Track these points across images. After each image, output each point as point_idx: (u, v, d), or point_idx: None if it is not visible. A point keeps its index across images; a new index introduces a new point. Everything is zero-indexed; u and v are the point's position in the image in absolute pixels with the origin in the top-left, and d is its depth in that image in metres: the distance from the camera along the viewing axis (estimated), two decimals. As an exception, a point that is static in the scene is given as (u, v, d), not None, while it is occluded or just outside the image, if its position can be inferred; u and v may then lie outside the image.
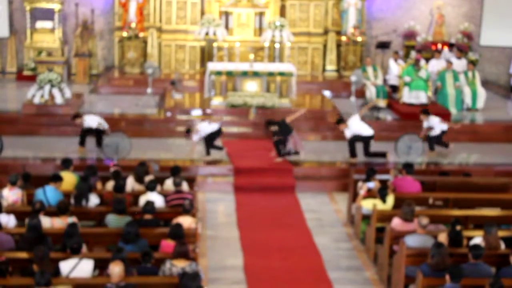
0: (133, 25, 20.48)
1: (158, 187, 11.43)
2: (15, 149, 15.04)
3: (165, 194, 11.37)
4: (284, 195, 14.05)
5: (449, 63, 19.05)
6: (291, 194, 14.13)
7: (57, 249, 9.40)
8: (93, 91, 19.65)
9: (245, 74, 17.62)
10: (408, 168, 12.49)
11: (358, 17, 21.24)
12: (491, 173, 14.87)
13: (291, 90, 17.98)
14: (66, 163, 12.22)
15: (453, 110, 18.10)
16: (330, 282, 10.44)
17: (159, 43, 21.20)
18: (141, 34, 20.69)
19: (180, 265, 8.69)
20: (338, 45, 21.49)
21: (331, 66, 21.52)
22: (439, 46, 21.40)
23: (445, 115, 17.21)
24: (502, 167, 15.19)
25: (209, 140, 14.92)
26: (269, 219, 12.88)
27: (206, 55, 20.57)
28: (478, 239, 9.72)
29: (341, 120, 15.06)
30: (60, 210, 10.23)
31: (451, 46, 21.24)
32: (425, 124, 15.57)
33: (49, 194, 10.98)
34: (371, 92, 18.45)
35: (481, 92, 18.76)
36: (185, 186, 11.77)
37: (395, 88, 19.27)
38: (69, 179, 11.75)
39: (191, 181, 12.46)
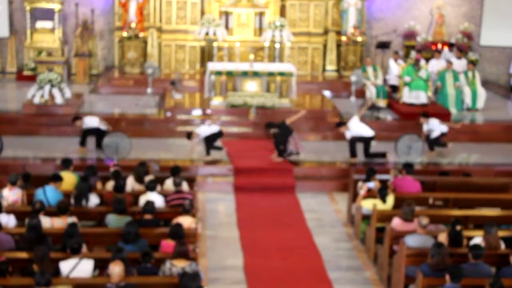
0: (133, 25, 20.48)
1: (158, 187, 11.43)
2: (15, 149, 15.04)
3: (165, 194, 11.37)
4: (284, 195, 14.05)
5: (449, 63, 19.05)
6: (291, 194, 14.13)
7: (57, 249, 9.40)
8: (93, 91, 19.65)
9: (245, 74, 17.61)
10: (408, 168, 12.49)
11: (358, 17, 21.24)
12: (491, 173, 14.87)
13: (291, 90, 17.98)
14: (66, 163, 12.22)
15: (453, 110, 18.10)
16: (330, 282, 10.44)
17: (159, 43, 21.20)
18: (141, 34, 20.69)
19: (180, 265, 8.70)
20: (338, 45, 21.49)
21: (331, 66, 21.52)
22: (439, 46, 21.40)
23: (445, 115, 17.23)
24: (502, 167, 15.19)
25: (209, 141, 14.92)
26: (269, 219, 12.88)
27: (206, 55, 20.57)
28: (478, 239, 9.72)
29: (341, 124, 15.05)
30: (60, 210, 10.23)
31: (451, 46, 21.24)
32: (425, 128, 15.56)
33: (49, 194, 10.98)
34: (371, 92, 18.45)
35: (481, 92, 18.76)
36: (185, 186, 11.77)
37: (395, 88, 19.27)
38: (69, 179, 11.75)
39: (191, 181, 12.46)
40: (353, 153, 15.02)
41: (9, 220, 10.12)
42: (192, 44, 21.15)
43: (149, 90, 18.87)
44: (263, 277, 10.52)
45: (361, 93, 18.80)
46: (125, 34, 20.60)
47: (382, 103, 18.31)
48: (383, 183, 12.23)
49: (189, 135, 14.91)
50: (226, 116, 17.26)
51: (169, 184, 12.05)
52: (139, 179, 11.94)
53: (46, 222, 9.97)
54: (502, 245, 9.71)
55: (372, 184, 12.20)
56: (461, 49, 21.10)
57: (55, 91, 16.79)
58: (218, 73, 17.63)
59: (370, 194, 11.91)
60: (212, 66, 18.00)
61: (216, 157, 15.12)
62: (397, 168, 13.23)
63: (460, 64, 19.80)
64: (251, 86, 17.64)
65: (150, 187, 11.21)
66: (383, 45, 20.53)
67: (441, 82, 18.65)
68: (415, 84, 18.16)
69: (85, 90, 19.55)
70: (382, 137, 16.04)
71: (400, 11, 22.40)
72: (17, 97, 18.72)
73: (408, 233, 9.96)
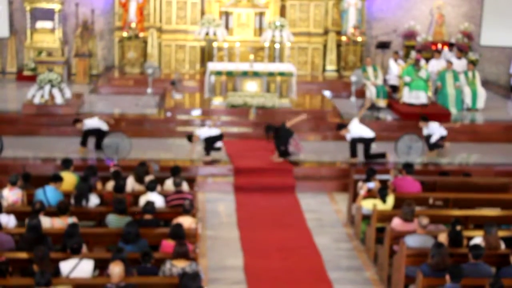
0: (133, 25, 20.48)
1: (158, 187, 11.43)
2: (15, 149, 15.03)
3: (165, 194, 11.37)
4: (284, 195, 14.05)
5: (449, 63, 19.04)
6: (291, 194, 14.12)
7: (57, 249, 9.40)
8: (93, 91, 19.65)
9: (245, 74, 17.61)
10: (408, 168, 12.48)
11: (358, 17, 21.24)
12: (491, 173, 14.87)
13: (291, 90, 17.98)
14: (66, 163, 12.22)
15: (453, 110, 18.10)
16: (330, 282, 10.44)
17: (159, 43, 21.20)
18: (141, 34, 20.69)
19: (180, 265, 8.70)
20: (338, 45, 21.49)
21: (331, 66, 21.52)
22: (439, 46, 21.40)
23: (445, 115, 17.24)
24: (502, 167, 15.18)
25: (209, 142, 14.90)
26: (269, 219, 12.88)
27: (206, 55, 20.57)
28: (478, 239, 9.72)
29: (341, 126, 15.04)
30: (60, 210, 10.23)
31: (451, 46, 21.23)
32: (425, 131, 15.53)
33: (49, 194, 10.98)
34: (371, 92, 18.45)
35: (481, 92, 18.76)
36: (185, 186, 11.77)
37: (395, 88, 19.27)
38: (69, 179, 11.76)
39: (191, 181, 12.46)
40: (353, 153, 15.02)
41: (9, 220, 10.12)
42: (192, 44, 21.16)
43: (149, 90, 18.87)
44: (263, 277, 10.52)
45: (361, 93, 18.80)
46: (125, 34, 20.61)
47: (382, 103, 18.31)
48: (383, 183, 12.23)
49: (189, 137, 14.90)
50: (226, 116, 17.26)
51: (169, 184, 12.05)
52: (139, 179, 11.94)
53: (46, 222, 9.97)
54: (502, 245, 9.71)
55: (372, 184, 12.20)
56: (461, 49, 21.10)
57: (55, 91, 16.79)
58: (218, 73, 17.63)
59: (370, 194, 11.91)
60: (212, 66, 18.01)
61: (216, 157, 15.12)
62: (397, 168, 13.22)
63: (460, 64, 19.80)
64: (251, 86, 17.64)
65: (150, 187, 11.21)
66: (383, 45, 20.54)
67: (441, 82, 18.65)
68: (415, 84, 18.16)
69: (85, 90, 19.55)
70: (382, 137, 16.03)
71: (400, 11, 22.40)
72: (17, 97, 18.72)
73: (408, 233, 9.96)
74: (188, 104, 18.17)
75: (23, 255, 9.10)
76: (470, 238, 9.89)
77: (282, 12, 21.23)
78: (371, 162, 14.85)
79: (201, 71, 20.67)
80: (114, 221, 10.25)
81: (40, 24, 20.74)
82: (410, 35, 21.94)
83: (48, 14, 20.64)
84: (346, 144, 15.10)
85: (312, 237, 12.09)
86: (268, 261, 11.06)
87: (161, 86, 19.32)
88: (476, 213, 11.52)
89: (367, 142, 14.93)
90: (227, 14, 21.05)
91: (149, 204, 10.30)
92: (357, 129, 14.87)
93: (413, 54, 20.81)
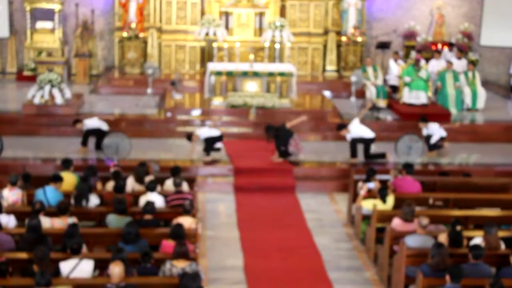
0: (133, 25, 20.48)
1: (158, 188, 11.43)
2: (15, 149, 15.03)
3: (165, 195, 11.37)
4: (284, 195, 14.05)
5: (449, 63, 19.04)
6: (291, 194, 14.12)
7: (57, 249, 9.39)
8: (93, 92, 19.65)
9: (245, 74, 17.62)
10: (408, 168, 12.48)
11: (358, 17, 21.24)
12: (491, 173, 14.87)
13: (291, 90, 17.98)
14: (66, 164, 12.22)
15: (453, 110, 18.10)
16: (330, 282, 10.44)
17: (159, 43, 21.20)
18: (141, 35, 20.69)
19: (180, 265, 8.70)
20: (338, 45, 21.50)
21: (331, 66, 21.52)
22: (439, 46, 21.40)
23: (445, 116, 17.24)
24: (502, 167, 15.18)
25: (209, 143, 14.90)
26: (269, 219, 12.88)
27: (206, 55, 20.57)
28: (478, 239, 9.72)
29: (341, 126, 15.04)
30: (60, 210, 10.23)
31: (451, 46, 21.23)
32: (425, 132, 15.53)
33: (49, 194, 10.98)
34: (371, 92, 18.45)
35: (481, 92, 18.76)
36: (185, 186, 11.77)
37: (395, 88, 19.28)
38: (69, 179, 11.76)
39: (191, 182, 12.46)
40: (353, 154, 15.02)
41: (9, 221, 10.12)
42: (192, 45, 21.16)
43: (149, 90, 18.87)
44: (263, 278, 10.52)
45: (361, 94, 18.80)
46: (125, 34, 20.61)
47: (382, 103, 18.31)
48: (383, 183, 12.23)
49: (189, 137, 14.91)
50: (226, 116, 17.26)
51: (169, 184, 12.05)
52: (139, 180, 11.94)
53: (46, 222, 9.97)
54: (502, 245, 9.71)
55: (372, 185, 12.20)
56: (461, 49, 21.10)
57: (55, 92, 16.79)
58: (218, 73, 17.64)
59: (370, 194, 11.91)
60: (212, 66, 18.01)
61: (216, 157, 15.12)
62: (397, 168, 13.22)
63: (460, 64, 19.79)
64: (251, 87, 17.64)
65: (150, 187, 11.21)
66: (383, 45, 20.53)
67: (441, 82, 18.65)
68: (415, 84, 18.16)
69: (85, 90, 19.55)
70: (382, 137, 16.03)
71: (400, 11, 22.40)
72: (17, 97, 18.72)
73: (408, 233, 9.96)
74: (188, 104, 18.17)
75: (23, 255, 9.10)
76: (470, 238, 9.89)
77: (282, 12, 21.23)
78: (371, 162, 14.85)
79: (201, 71, 20.68)
80: (114, 221, 10.25)
81: (40, 24, 20.75)
82: (410, 35, 21.94)
83: (48, 14, 20.65)
84: (346, 145, 15.11)
85: (312, 237, 12.09)
86: (268, 261, 11.06)
87: (161, 86, 19.32)
88: (476, 213, 11.52)
89: (367, 142, 14.93)
90: (227, 14, 21.05)
91: (149, 204, 10.31)
92: (357, 129, 14.88)
93: (413, 54, 20.81)
